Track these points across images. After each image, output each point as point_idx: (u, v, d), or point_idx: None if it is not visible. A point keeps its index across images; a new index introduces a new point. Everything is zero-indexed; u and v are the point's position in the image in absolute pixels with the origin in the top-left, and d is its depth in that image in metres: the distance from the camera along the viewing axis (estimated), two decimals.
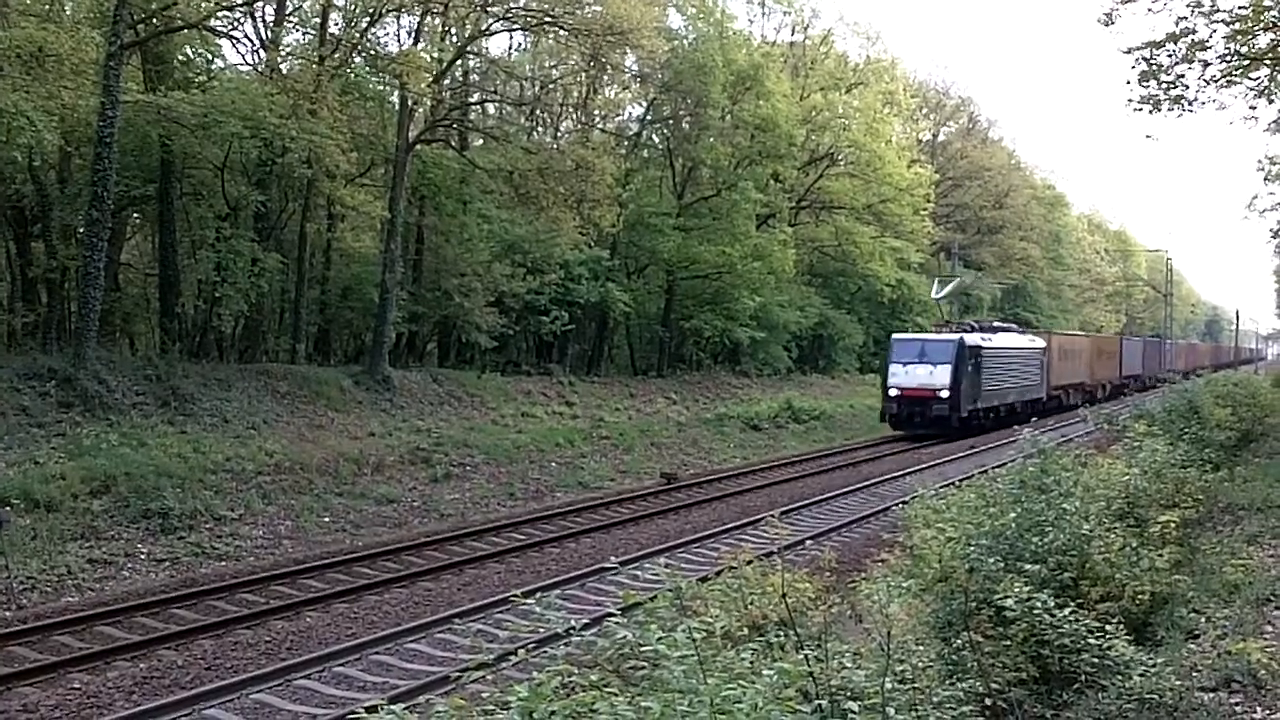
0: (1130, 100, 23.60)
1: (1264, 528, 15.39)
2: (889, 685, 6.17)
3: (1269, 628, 10.15)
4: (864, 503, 24.80)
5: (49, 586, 16.29)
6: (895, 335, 45.40)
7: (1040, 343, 51.07)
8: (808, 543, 19.34)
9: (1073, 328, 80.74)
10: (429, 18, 35.12)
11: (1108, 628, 8.46)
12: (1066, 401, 54.13)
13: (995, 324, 49.91)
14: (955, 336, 41.16)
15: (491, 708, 5.83)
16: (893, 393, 40.94)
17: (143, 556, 18.12)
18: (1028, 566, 9.20)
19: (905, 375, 40.51)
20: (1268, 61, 22.81)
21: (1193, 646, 9.85)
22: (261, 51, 33.19)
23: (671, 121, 48.23)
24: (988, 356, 42.58)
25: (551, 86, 44.58)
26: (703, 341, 50.92)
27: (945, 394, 39.73)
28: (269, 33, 33.01)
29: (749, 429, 39.63)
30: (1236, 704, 8.33)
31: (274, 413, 26.90)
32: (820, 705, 5.63)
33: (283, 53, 32.93)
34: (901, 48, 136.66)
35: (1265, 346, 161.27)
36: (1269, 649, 8.92)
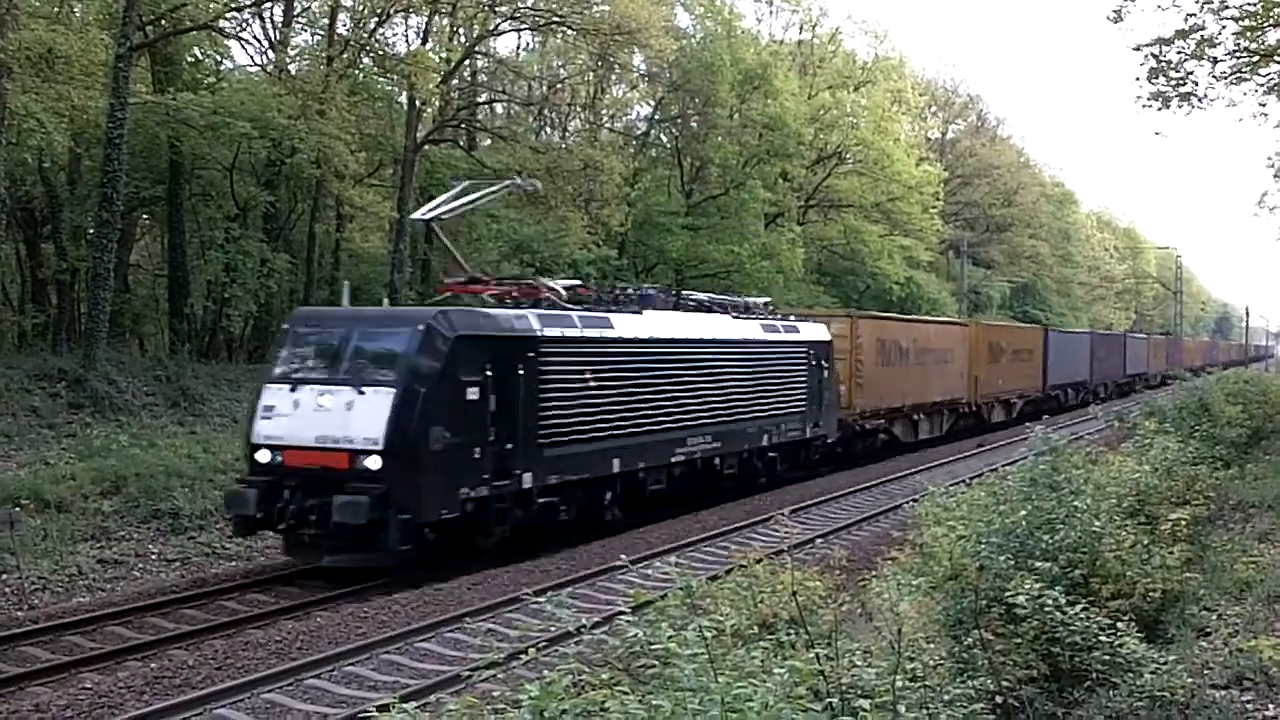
0: (1139, 97, 23.58)
1: (1275, 525, 15.40)
2: (900, 683, 6.17)
3: None
4: (874, 501, 24.76)
5: (60, 587, 16.34)
6: (300, 310, 21.09)
7: (814, 333, 27.91)
8: (817, 541, 19.32)
9: (1082, 325, 79.61)
10: (437, 18, 35.18)
11: (1119, 625, 8.47)
12: (910, 436, 34.96)
13: (651, 290, 24.58)
14: (423, 313, 17.67)
15: (503, 706, 5.84)
16: (262, 456, 16.59)
17: (153, 557, 18.16)
18: (1038, 564, 9.20)
19: (293, 415, 16.47)
20: (1278, 58, 22.75)
21: (1204, 644, 9.85)
22: (270, 52, 33.35)
23: (679, 120, 48.18)
24: (560, 364, 18.73)
25: (559, 86, 44.61)
26: None
27: (377, 463, 15.77)
28: (277, 34, 33.14)
29: None
30: (1248, 701, 8.33)
31: None
32: (831, 703, 5.63)
33: (291, 53, 33.05)
34: (910, 46, 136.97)
35: (1276, 344, 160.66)
36: None
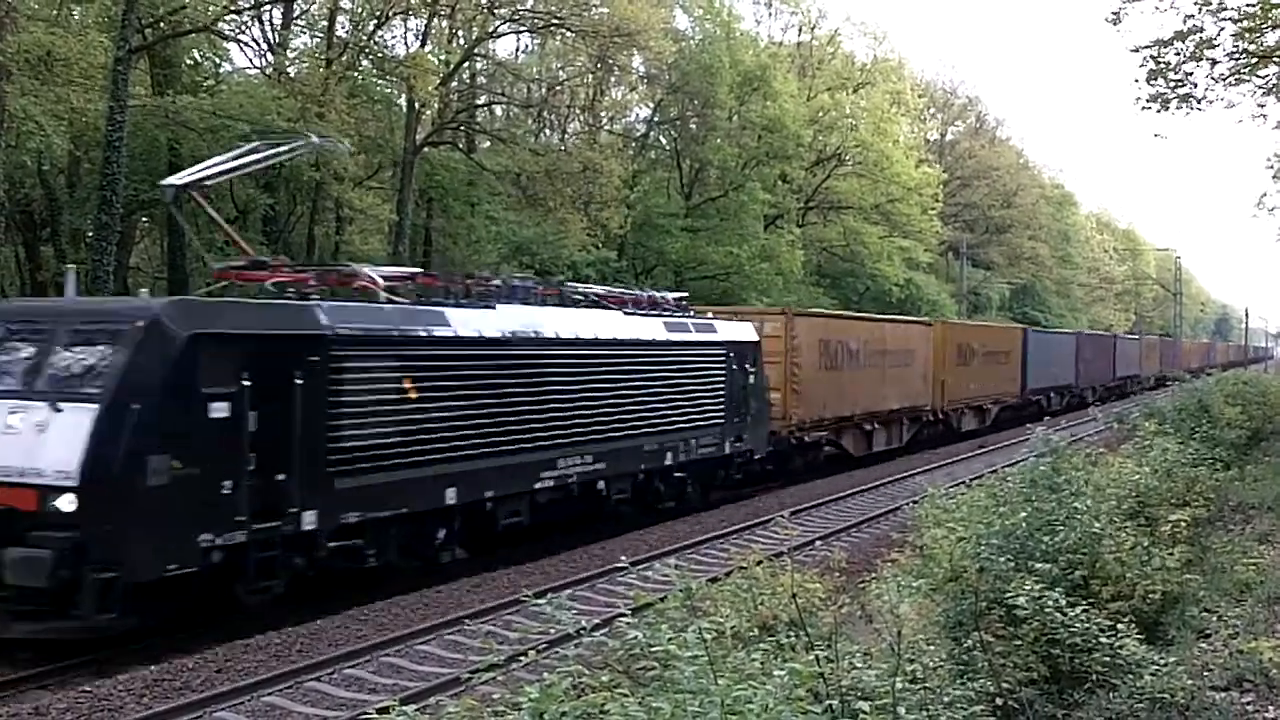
0: (1138, 99, 23.59)
1: (1275, 526, 15.40)
2: (900, 685, 6.17)
3: None
4: (873, 503, 24.75)
5: None
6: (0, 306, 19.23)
7: (735, 333, 24.30)
8: (817, 543, 19.31)
9: (1081, 326, 79.48)
10: (436, 20, 35.23)
11: (1119, 627, 8.46)
12: (863, 449, 31.24)
13: (520, 281, 20.52)
14: (146, 306, 14.28)
15: (503, 709, 5.84)
16: None
17: None
18: (1038, 566, 9.19)
19: None
20: (1276, 59, 22.77)
21: (1204, 646, 9.84)
22: (269, 55, 33.36)
23: (679, 122, 48.28)
24: (365, 370, 14.93)
25: (559, 88, 44.68)
26: None
27: (71, 504, 11.99)
28: (276, 36, 33.18)
29: None
30: (1248, 703, 8.32)
31: None
32: (831, 705, 5.63)
33: (290, 56, 33.06)
34: (909, 47, 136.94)
35: (1276, 345, 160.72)
36: None
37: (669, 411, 21.30)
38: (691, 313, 23.98)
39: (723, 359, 23.26)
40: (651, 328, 21.48)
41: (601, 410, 19.32)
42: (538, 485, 17.98)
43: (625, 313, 21.07)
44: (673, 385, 21.50)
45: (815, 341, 28.14)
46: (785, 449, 26.93)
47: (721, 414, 23.06)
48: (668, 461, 21.42)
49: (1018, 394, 44.55)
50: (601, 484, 19.63)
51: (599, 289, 22.67)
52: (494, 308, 17.69)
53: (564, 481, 18.55)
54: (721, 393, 23.06)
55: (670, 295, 24.12)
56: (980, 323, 54.72)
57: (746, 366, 23.97)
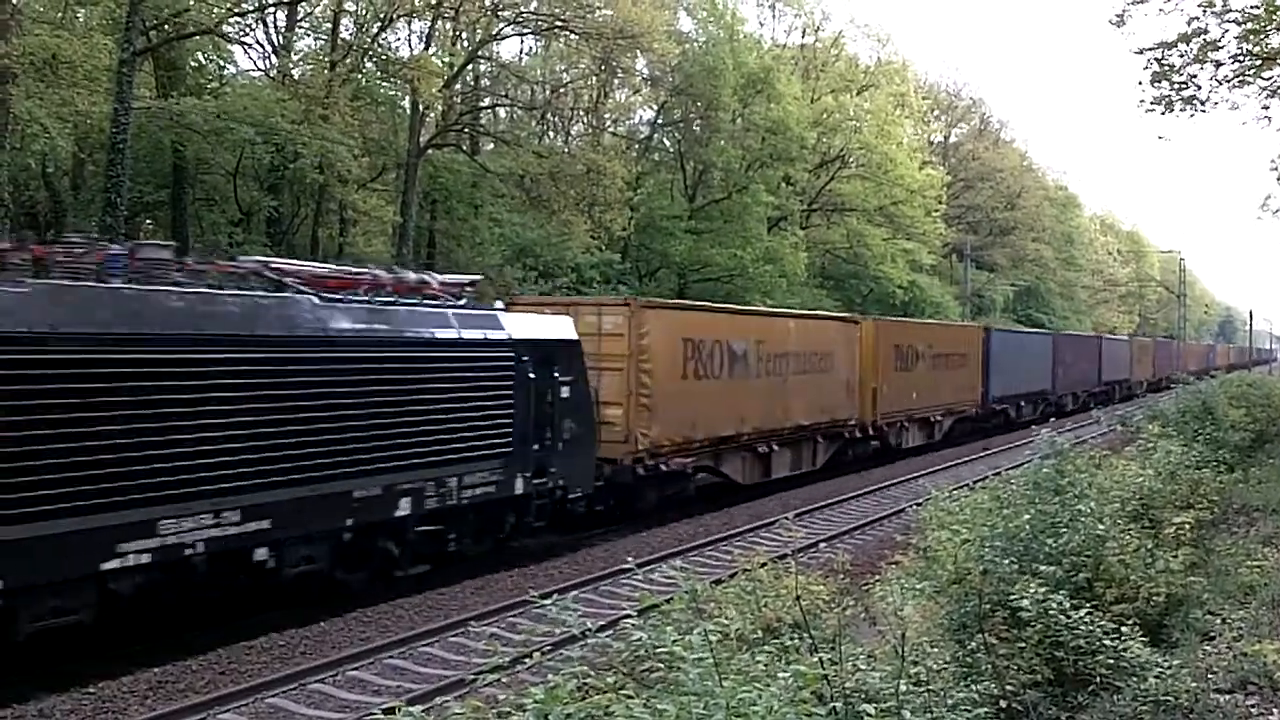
0: (1142, 101, 23.56)
1: (1279, 529, 15.37)
2: (904, 687, 6.17)
3: None
4: (877, 505, 24.75)
5: None
6: None
7: (534, 329, 18.24)
8: (821, 545, 19.31)
9: (1084, 329, 79.32)
10: (440, 22, 35.25)
11: (1123, 629, 8.46)
12: (757, 475, 25.61)
13: (122, 251, 12.51)
14: None
15: (507, 710, 5.85)
16: None
17: None
18: (1043, 568, 9.19)
19: None
20: None
21: (1208, 648, 9.83)
22: (273, 57, 33.41)
23: (682, 124, 48.27)
24: None
25: (562, 90, 44.72)
26: None
27: None
28: (281, 38, 33.21)
29: None
30: (1253, 706, 8.31)
31: None
32: (835, 708, 5.63)
33: (294, 58, 33.12)
34: (912, 49, 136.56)
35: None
36: None
37: (404, 439, 15.15)
38: (463, 300, 17.31)
39: (509, 364, 17.22)
40: (372, 319, 15.14)
41: (258, 441, 13.11)
42: (110, 564, 11.66)
43: (320, 298, 14.53)
44: (410, 401, 15.32)
45: (675, 341, 22.19)
46: (633, 482, 20.91)
47: (508, 440, 17.11)
48: (402, 511, 15.23)
49: (978, 403, 39.06)
50: (264, 551, 13.41)
51: (316, 267, 16.12)
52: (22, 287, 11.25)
53: (176, 555, 12.26)
54: (507, 410, 17.12)
55: (439, 278, 17.41)
56: (927, 321, 48.73)
57: (556, 374, 18.19)
